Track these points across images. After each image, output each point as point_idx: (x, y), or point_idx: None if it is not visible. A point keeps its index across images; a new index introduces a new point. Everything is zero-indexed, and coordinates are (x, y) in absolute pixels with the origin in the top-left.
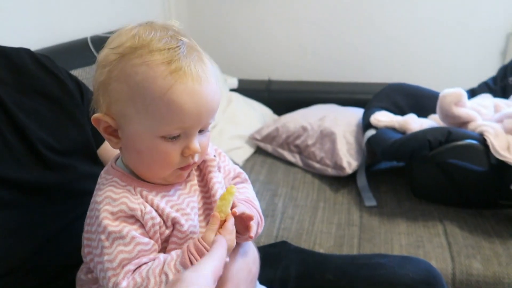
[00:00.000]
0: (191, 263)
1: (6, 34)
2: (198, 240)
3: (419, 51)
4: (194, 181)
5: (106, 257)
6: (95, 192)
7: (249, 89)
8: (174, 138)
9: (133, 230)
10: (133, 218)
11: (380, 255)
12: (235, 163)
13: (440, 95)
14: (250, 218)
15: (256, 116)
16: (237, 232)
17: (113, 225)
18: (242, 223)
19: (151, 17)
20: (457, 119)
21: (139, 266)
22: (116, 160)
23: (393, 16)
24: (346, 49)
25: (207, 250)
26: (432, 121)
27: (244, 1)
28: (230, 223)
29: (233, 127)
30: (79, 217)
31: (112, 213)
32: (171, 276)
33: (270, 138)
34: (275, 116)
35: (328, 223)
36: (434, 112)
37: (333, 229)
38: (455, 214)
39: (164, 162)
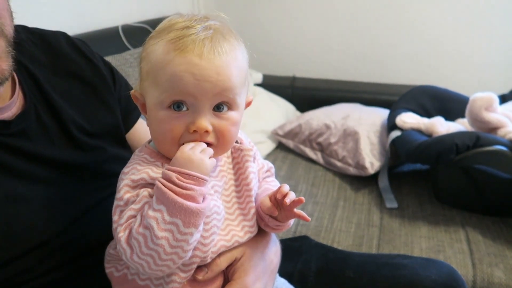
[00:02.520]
0: (160, 189)
1: (41, 20)
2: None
3: (448, 54)
4: (224, 167)
5: (120, 218)
6: (126, 165)
7: (273, 84)
8: (180, 109)
9: (146, 191)
10: (152, 185)
11: (403, 255)
12: None
13: (471, 98)
14: (300, 201)
15: (280, 112)
16: (277, 220)
17: (130, 192)
18: (289, 209)
19: (180, 9)
20: (486, 124)
21: None
22: (149, 142)
23: (422, 17)
24: (372, 49)
25: (168, 170)
26: (460, 125)
27: None
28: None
29: (256, 122)
30: (108, 197)
31: (133, 181)
32: (149, 212)
33: (292, 134)
34: (298, 113)
35: (347, 222)
36: (461, 116)
37: (352, 229)
38: (478, 221)
39: (167, 134)
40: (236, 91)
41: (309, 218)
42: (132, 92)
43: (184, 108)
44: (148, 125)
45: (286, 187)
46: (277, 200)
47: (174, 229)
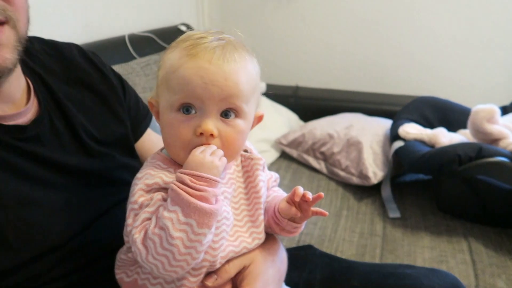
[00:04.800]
0: (174, 191)
1: (50, 30)
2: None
3: (450, 65)
4: (233, 175)
5: (134, 221)
6: (139, 171)
7: (276, 94)
8: (188, 112)
9: (160, 195)
10: (166, 190)
11: (406, 265)
12: None
13: (473, 110)
14: (319, 197)
15: (283, 121)
16: (294, 221)
17: (145, 196)
18: (307, 207)
19: (185, 19)
20: (488, 135)
21: None
22: (162, 149)
23: (425, 29)
24: (375, 59)
25: (181, 173)
26: (462, 136)
27: (275, 7)
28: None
29: (259, 131)
30: (118, 204)
31: (147, 185)
32: (164, 213)
33: (296, 143)
34: (301, 122)
35: (350, 232)
36: (463, 127)
37: (356, 238)
38: (481, 231)
39: (177, 138)
40: (243, 99)
41: (327, 213)
42: (148, 99)
43: (193, 112)
44: (161, 131)
45: (301, 188)
46: (294, 202)
47: (189, 229)
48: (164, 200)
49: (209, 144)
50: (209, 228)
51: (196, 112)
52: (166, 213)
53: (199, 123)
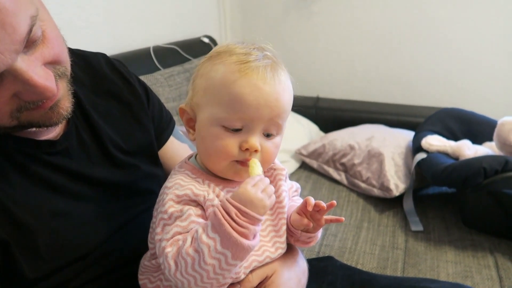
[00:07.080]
0: (218, 220)
1: (80, 41)
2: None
3: (475, 76)
4: None
5: (165, 232)
6: (167, 180)
7: (297, 105)
8: (235, 130)
9: (191, 210)
10: (195, 202)
11: (429, 279)
12: None
13: (499, 122)
14: (332, 205)
15: (303, 132)
16: (308, 231)
17: (175, 207)
18: (319, 217)
19: (208, 31)
20: None
21: None
22: (189, 158)
23: (448, 40)
24: (397, 70)
25: (229, 202)
26: (487, 149)
27: (296, 19)
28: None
29: None
30: (142, 213)
31: (177, 196)
32: (203, 236)
33: (316, 154)
34: (322, 133)
35: (371, 244)
36: (488, 139)
37: (377, 251)
38: (508, 247)
39: (221, 151)
40: (285, 117)
41: (343, 218)
42: (182, 106)
43: (238, 127)
44: (195, 139)
45: (311, 199)
46: (305, 213)
47: (223, 259)
48: (196, 215)
49: (249, 159)
50: (241, 261)
51: (242, 129)
52: (204, 238)
53: (245, 139)
